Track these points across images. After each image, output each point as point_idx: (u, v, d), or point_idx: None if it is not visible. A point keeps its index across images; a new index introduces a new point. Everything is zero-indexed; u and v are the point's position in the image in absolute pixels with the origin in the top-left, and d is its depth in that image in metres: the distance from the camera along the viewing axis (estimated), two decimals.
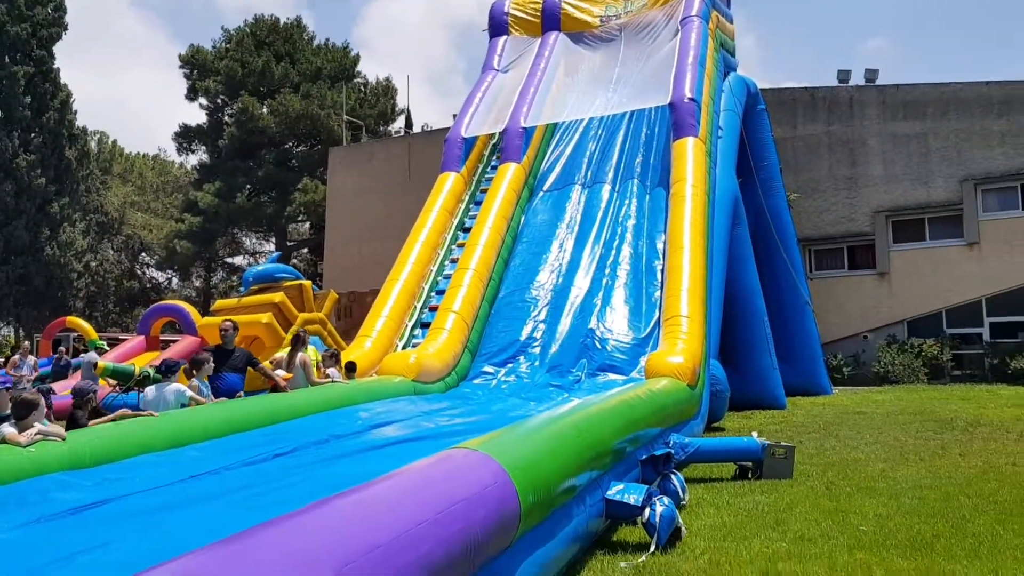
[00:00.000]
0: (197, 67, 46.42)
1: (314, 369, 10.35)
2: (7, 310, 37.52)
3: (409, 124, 39.05)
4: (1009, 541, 6.18)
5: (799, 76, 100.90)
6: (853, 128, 25.09)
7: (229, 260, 53.84)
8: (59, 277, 37.98)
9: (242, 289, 19.12)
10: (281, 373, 9.77)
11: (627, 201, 15.48)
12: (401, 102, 48.87)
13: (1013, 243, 22.58)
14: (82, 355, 23.94)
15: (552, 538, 5.03)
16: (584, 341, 12.71)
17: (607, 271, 13.99)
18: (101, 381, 11.60)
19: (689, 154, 14.56)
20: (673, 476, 7.26)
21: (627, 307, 13.26)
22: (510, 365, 12.78)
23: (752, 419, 13.93)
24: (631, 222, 14.94)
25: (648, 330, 12.67)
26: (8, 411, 6.57)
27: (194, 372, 8.85)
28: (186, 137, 48.79)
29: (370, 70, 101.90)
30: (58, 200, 37.79)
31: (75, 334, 29.21)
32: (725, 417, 13.10)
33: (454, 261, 14.81)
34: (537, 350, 12.94)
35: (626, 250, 14.33)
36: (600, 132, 17.40)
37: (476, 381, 12.56)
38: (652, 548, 5.95)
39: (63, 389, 15.76)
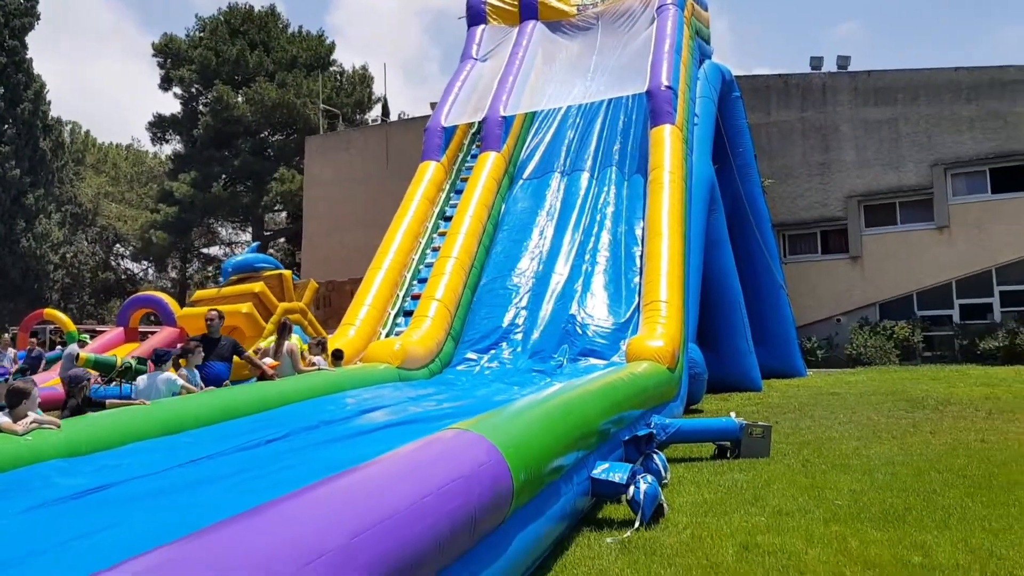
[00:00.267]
0: (171, 56, 46.05)
1: (300, 357, 10.48)
2: None
3: (386, 112, 39.03)
4: (977, 512, 6.45)
5: (771, 61, 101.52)
6: (826, 114, 25.42)
7: (205, 250, 53.57)
8: (35, 269, 37.69)
9: (222, 279, 19.11)
10: (268, 361, 9.89)
11: (606, 188, 15.69)
12: (377, 90, 48.80)
13: (982, 226, 23.02)
14: (60, 348, 23.91)
15: (542, 515, 5.23)
16: (565, 327, 12.91)
17: (587, 258, 14.19)
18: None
19: (666, 141, 14.77)
20: (655, 455, 7.49)
21: (607, 293, 13.47)
22: (493, 351, 12.97)
23: (729, 401, 14.21)
24: (610, 209, 15.14)
25: (628, 315, 12.88)
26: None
27: (182, 361, 8.94)
28: (160, 127, 48.42)
29: (343, 58, 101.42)
30: (33, 191, 37.46)
31: (52, 326, 29.08)
32: (703, 399, 13.37)
33: (436, 250, 14.95)
34: (519, 336, 13.12)
35: (605, 237, 14.53)
36: (578, 120, 17.59)
37: (459, 367, 12.73)
38: (636, 524, 6.17)
39: (41, 381, 15.78)
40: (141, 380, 8.44)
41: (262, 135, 46.27)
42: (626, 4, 19.21)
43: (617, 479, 6.40)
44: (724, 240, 16.47)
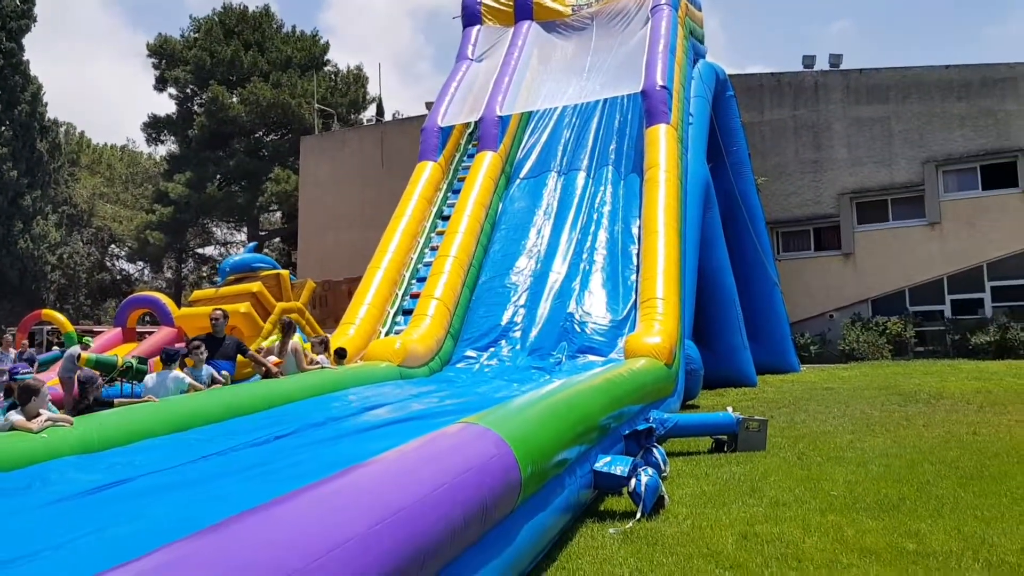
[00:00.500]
0: (165, 57, 46.09)
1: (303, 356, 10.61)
2: None
3: (381, 112, 39.13)
4: (970, 502, 6.62)
5: (763, 59, 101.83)
6: (818, 112, 25.64)
7: (200, 251, 53.62)
8: (33, 270, 37.73)
9: (219, 279, 19.20)
10: (272, 359, 10.03)
11: (602, 187, 15.85)
12: (372, 90, 48.90)
13: (973, 223, 23.27)
14: (58, 349, 23.98)
15: (547, 506, 5.39)
16: (563, 324, 13.06)
17: (584, 256, 14.36)
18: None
19: (661, 141, 14.94)
20: (655, 449, 7.65)
21: (604, 291, 13.63)
22: (492, 349, 13.12)
23: (725, 396, 14.38)
24: (606, 208, 15.31)
25: (625, 312, 13.04)
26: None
27: (189, 361, 9.07)
28: (155, 127, 48.45)
29: (337, 57, 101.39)
30: (30, 193, 37.49)
31: (49, 327, 29.12)
32: (699, 395, 13.55)
33: (434, 249, 15.09)
34: (518, 334, 13.28)
35: (602, 235, 14.70)
36: (574, 120, 17.76)
37: (459, 365, 12.88)
38: (638, 515, 6.33)
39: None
40: (150, 379, 8.59)
41: (257, 135, 46.34)
42: (620, 4, 19.37)
43: (619, 472, 6.55)
44: (719, 238, 16.65)
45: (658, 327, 11.48)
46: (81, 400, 7.49)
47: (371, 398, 9.22)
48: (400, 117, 35.37)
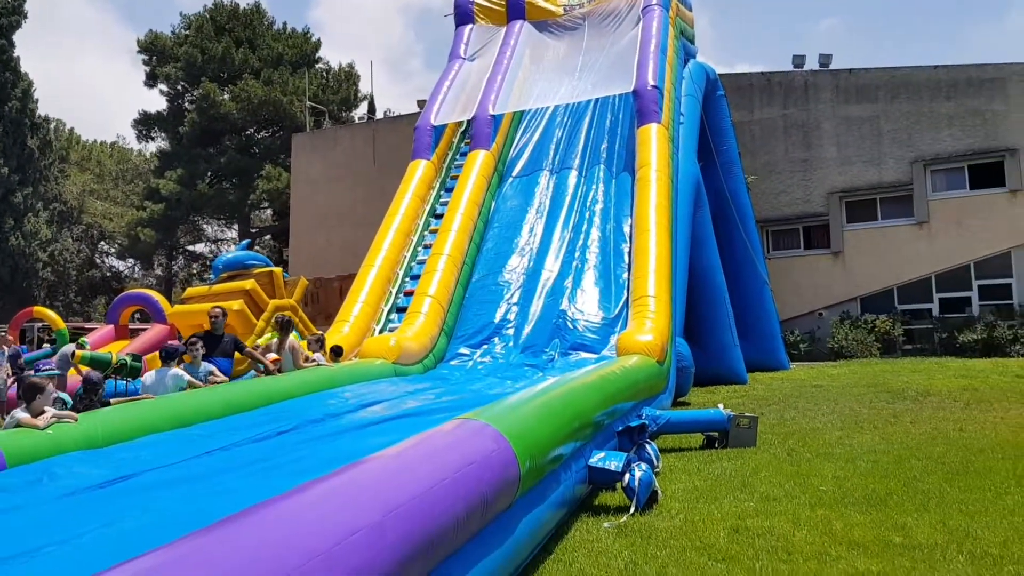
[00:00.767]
0: (156, 53, 46.00)
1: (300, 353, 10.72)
2: None
3: (372, 110, 39.18)
4: (955, 496, 6.79)
5: (753, 58, 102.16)
6: (808, 112, 25.84)
7: (191, 248, 53.55)
8: (24, 267, 37.65)
9: (212, 276, 19.25)
10: (271, 356, 10.14)
11: (594, 186, 15.98)
12: (363, 88, 48.94)
13: (961, 222, 23.51)
14: (49, 346, 23.97)
15: (544, 501, 5.53)
16: (556, 322, 13.18)
17: (577, 254, 14.48)
18: (82, 368, 11.82)
19: (653, 140, 15.08)
20: (647, 445, 7.80)
21: (597, 288, 13.76)
22: (485, 346, 13.24)
23: (715, 394, 14.52)
24: (598, 206, 15.44)
25: (617, 310, 13.18)
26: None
27: (186, 358, 9.16)
28: (146, 124, 48.36)
29: (328, 54, 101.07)
30: (21, 190, 37.39)
31: (40, 324, 29.10)
32: (690, 392, 13.72)
33: (427, 247, 15.19)
34: (511, 331, 13.40)
35: (594, 233, 14.83)
36: (566, 119, 17.89)
37: (453, 362, 12.99)
38: (632, 510, 6.47)
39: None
40: (148, 376, 8.68)
41: (248, 132, 46.33)
42: (612, 4, 19.50)
43: (613, 467, 6.69)
44: (709, 236, 16.80)
45: (650, 325, 11.61)
46: (88, 398, 7.57)
47: (367, 395, 9.32)
48: (392, 115, 35.38)
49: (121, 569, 2.51)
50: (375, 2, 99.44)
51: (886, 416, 11.37)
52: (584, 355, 12.46)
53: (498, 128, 17.34)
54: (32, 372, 16.62)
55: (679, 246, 14.29)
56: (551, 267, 14.37)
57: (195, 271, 53.60)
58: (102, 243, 52.69)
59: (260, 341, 12.73)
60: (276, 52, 45.45)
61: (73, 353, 14.24)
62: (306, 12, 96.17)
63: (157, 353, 12.61)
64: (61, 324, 23.41)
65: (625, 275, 13.73)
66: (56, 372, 7.74)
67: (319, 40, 48.52)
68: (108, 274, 52.83)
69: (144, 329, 24.53)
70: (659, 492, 6.87)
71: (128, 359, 14.67)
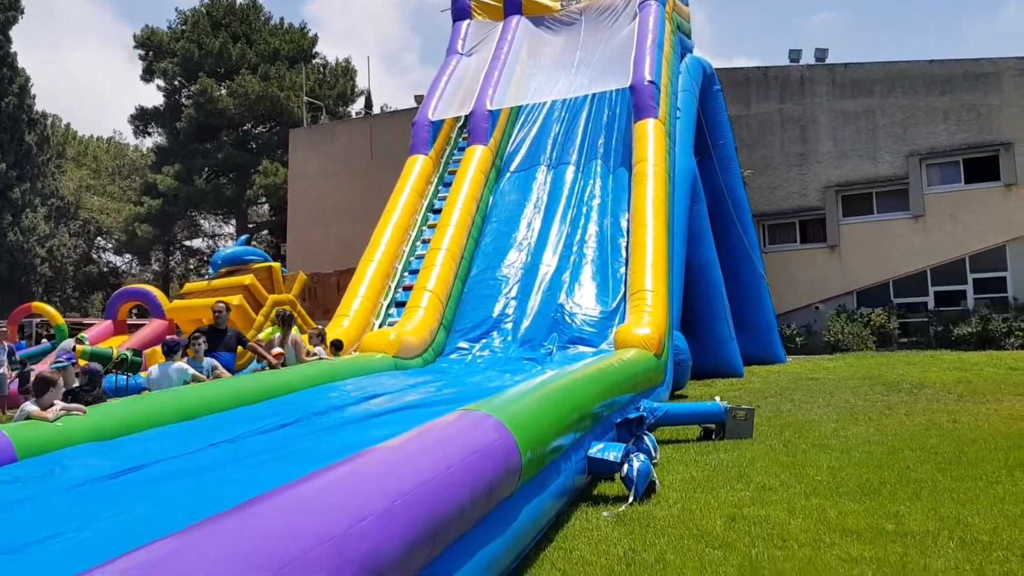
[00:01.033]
0: (152, 49, 46.00)
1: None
2: None
3: (369, 105, 39.22)
4: (947, 486, 6.92)
5: (748, 52, 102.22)
6: (804, 106, 25.93)
7: (188, 243, 53.58)
8: (23, 263, 37.73)
9: (211, 271, 19.34)
10: (276, 350, 10.25)
11: (591, 181, 16.08)
12: (360, 83, 48.95)
13: (956, 215, 23.64)
14: (47, 341, 24.06)
15: (545, 490, 5.65)
16: (554, 316, 13.29)
17: (574, 249, 14.58)
18: (80, 363, 11.91)
19: (650, 135, 15.17)
20: (645, 437, 7.91)
21: (594, 283, 13.86)
22: (484, 340, 13.33)
23: (712, 387, 14.67)
24: (596, 201, 15.54)
25: (615, 304, 13.29)
26: (75, 384, 7.07)
27: (190, 352, 9.27)
28: (143, 119, 48.35)
29: (324, 49, 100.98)
30: (19, 186, 37.45)
31: (38, 320, 29.15)
32: (687, 385, 13.83)
33: (426, 242, 15.29)
34: (509, 325, 13.50)
35: (592, 228, 14.93)
36: (563, 114, 17.98)
37: (452, 356, 13.09)
38: (631, 499, 6.59)
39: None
40: (153, 370, 8.79)
41: (245, 128, 46.35)
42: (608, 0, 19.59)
43: (612, 458, 6.81)
44: (706, 231, 16.91)
45: (647, 318, 11.73)
46: (89, 391, 7.68)
47: (368, 388, 9.42)
48: (388, 110, 35.44)
49: (146, 550, 2.62)
50: None
51: (881, 408, 11.50)
52: (582, 349, 12.56)
53: (495, 123, 17.42)
54: (27, 367, 16.72)
55: (676, 240, 14.39)
56: (549, 262, 14.48)
57: (192, 266, 53.65)
58: (99, 239, 52.72)
59: (261, 336, 12.83)
60: (273, 47, 45.46)
61: (74, 348, 14.37)
62: (302, 7, 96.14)
63: (158, 348, 12.75)
64: (60, 319, 23.54)
65: (622, 269, 13.83)
66: (66, 364, 7.82)
67: (316, 35, 48.60)
68: (105, 270, 52.87)
69: (142, 324, 24.64)
70: (657, 482, 6.99)
71: (128, 354, 14.80)
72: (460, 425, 4.71)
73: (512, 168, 17.13)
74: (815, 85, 25.84)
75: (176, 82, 46.58)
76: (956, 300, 23.62)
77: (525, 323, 13.46)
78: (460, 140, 18.12)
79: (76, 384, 7.66)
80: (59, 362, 7.67)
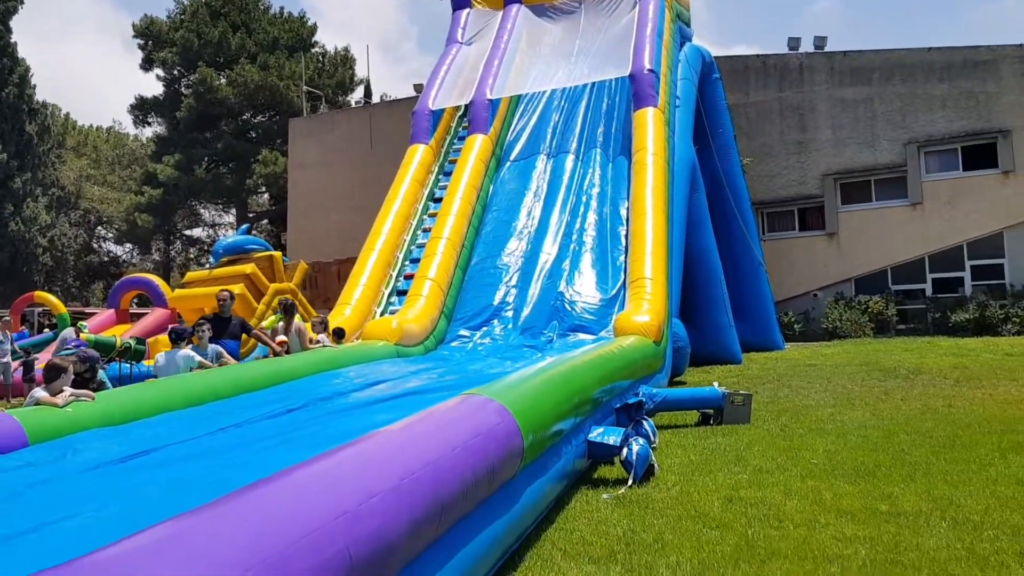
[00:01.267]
0: (152, 38, 45.96)
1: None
2: None
3: (368, 94, 39.24)
4: (941, 468, 7.06)
5: (748, 40, 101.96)
6: (803, 94, 25.98)
7: (188, 232, 53.66)
8: (24, 253, 37.84)
9: (212, 260, 19.46)
10: (281, 338, 10.38)
11: (591, 170, 16.17)
12: (359, 71, 48.94)
13: (954, 203, 23.74)
14: (49, 331, 24.19)
15: (546, 473, 5.78)
16: (554, 304, 13.41)
17: (574, 237, 14.69)
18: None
19: (649, 124, 15.26)
20: (644, 422, 8.04)
21: (594, 271, 13.98)
22: (485, 328, 13.46)
23: (711, 373, 14.80)
24: (595, 190, 15.63)
25: (614, 292, 13.41)
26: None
27: (195, 339, 9.39)
28: (142, 109, 48.34)
29: (322, 38, 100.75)
30: (20, 175, 37.51)
31: (40, 309, 29.29)
32: (686, 371, 13.97)
33: (427, 231, 15.40)
34: (510, 313, 13.62)
35: (591, 216, 15.03)
36: (563, 103, 18.04)
37: (453, 344, 13.22)
38: (630, 482, 6.73)
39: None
40: (160, 357, 8.90)
41: (245, 117, 46.35)
42: None
43: (611, 442, 6.95)
44: (705, 219, 17.01)
45: (646, 306, 11.85)
46: (87, 378, 7.78)
47: (371, 375, 9.53)
48: (387, 99, 35.46)
49: (171, 523, 2.74)
50: None
51: (877, 393, 11.64)
52: (582, 336, 12.68)
53: (495, 112, 17.49)
54: (32, 356, 16.86)
55: (675, 228, 14.49)
56: (549, 250, 14.58)
57: (193, 256, 53.76)
58: (100, 228, 52.80)
59: (265, 324, 12.95)
60: (272, 36, 45.42)
61: (79, 336, 14.49)
62: None
63: (160, 336, 12.87)
64: (62, 309, 23.65)
65: (622, 257, 13.94)
66: (75, 351, 7.94)
67: (315, 24, 48.54)
68: (106, 259, 52.99)
69: (144, 313, 24.80)
70: (656, 465, 7.12)
71: (132, 342, 14.92)
72: (463, 409, 4.83)
73: (512, 157, 17.21)
74: (814, 73, 25.88)
75: (175, 71, 46.56)
76: (954, 287, 23.74)
77: (525, 311, 13.57)
78: (460, 129, 18.20)
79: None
80: (67, 349, 7.80)
